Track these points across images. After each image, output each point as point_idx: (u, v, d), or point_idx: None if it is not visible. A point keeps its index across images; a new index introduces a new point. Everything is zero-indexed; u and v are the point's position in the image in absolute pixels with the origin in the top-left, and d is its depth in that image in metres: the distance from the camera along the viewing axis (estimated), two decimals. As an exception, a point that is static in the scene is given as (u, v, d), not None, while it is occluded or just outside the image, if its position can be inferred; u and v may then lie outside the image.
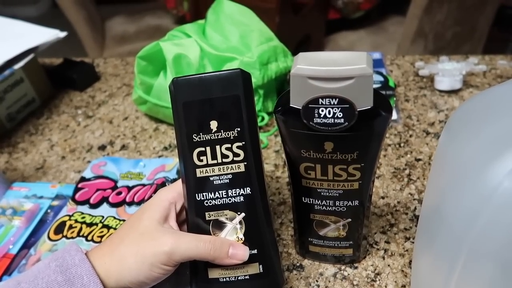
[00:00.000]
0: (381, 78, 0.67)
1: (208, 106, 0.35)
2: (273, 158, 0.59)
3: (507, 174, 0.24)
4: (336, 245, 0.42)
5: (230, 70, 0.35)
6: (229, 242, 0.36)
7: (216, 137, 0.36)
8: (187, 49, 0.59)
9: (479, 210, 0.25)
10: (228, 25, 0.63)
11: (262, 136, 0.62)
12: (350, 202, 0.38)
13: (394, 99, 0.64)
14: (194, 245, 0.35)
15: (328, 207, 0.39)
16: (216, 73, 0.35)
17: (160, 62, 0.61)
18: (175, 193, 0.38)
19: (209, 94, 0.35)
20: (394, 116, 0.63)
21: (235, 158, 0.36)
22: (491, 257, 0.26)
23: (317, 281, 0.43)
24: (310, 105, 0.33)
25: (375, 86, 0.65)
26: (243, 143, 0.36)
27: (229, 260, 0.36)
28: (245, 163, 0.36)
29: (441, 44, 1.28)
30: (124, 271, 0.35)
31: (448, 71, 0.67)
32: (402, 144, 0.59)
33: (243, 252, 0.36)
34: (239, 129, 0.35)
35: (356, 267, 0.44)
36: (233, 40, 0.62)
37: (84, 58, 0.85)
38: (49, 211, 0.53)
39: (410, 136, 0.60)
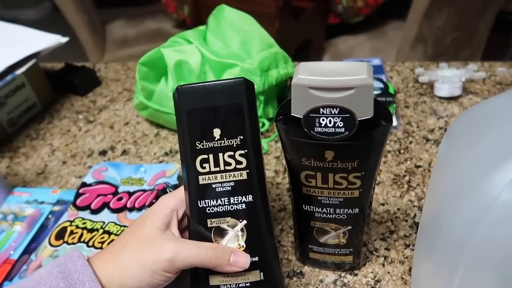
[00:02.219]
0: (381, 85, 0.67)
1: (212, 114, 0.36)
2: (273, 164, 0.59)
3: (507, 185, 0.25)
4: (336, 252, 0.42)
5: (234, 79, 0.35)
6: (231, 249, 0.36)
7: (219, 145, 0.36)
8: (188, 55, 0.60)
9: (478, 221, 0.26)
10: (229, 31, 0.63)
11: (263, 142, 0.62)
12: (350, 210, 0.39)
13: (394, 105, 0.65)
14: (195, 252, 0.35)
15: (328, 215, 0.39)
16: (220, 82, 0.35)
17: (161, 68, 0.62)
18: (177, 200, 0.39)
19: (213, 102, 0.35)
20: (394, 122, 0.63)
21: (238, 166, 0.36)
22: (490, 267, 0.26)
23: (317, 288, 0.43)
24: (311, 114, 0.33)
25: (375, 92, 0.65)
26: (246, 151, 0.36)
27: (230, 268, 0.36)
28: (248, 170, 0.36)
29: (441, 49, 1.28)
30: (126, 277, 0.35)
31: (448, 77, 0.67)
32: (402, 151, 0.59)
33: (245, 260, 0.36)
34: (242, 137, 0.36)
35: (356, 274, 0.44)
36: (234, 46, 0.63)
37: (84, 61, 0.85)
38: (50, 216, 0.53)
39: (410, 142, 0.60)
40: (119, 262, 0.36)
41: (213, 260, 0.35)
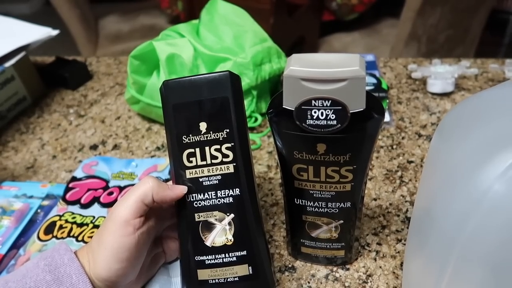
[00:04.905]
0: (374, 80, 0.67)
1: (198, 108, 0.36)
2: (266, 159, 0.59)
3: (497, 177, 0.24)
4: (328, 246, 0.42)
5: (219, 72, 0.36)
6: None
7: (205, 139, 0.36)
8: (180, 49, 0.59)
9: (470, 213, 0.26)
10: (222, 25, 0.63)
11: (255, 137, 0.61)
12: (342, 203, 0.38)
13: (387, 101, 0.65)
14: (136, 188, 0.36)
15: (320, 209, 0.39)
16: (206, 76, 0.36)
17: (153, 62, 0.61)
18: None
19: (199, 96, 0.35)
20: (387, 118, 0.63)
21: (224, 159, 0.36)
22: (481, 260, 0.26)
23: (309, 282, 0.43)
24: (303, 107, 0.33)
25: (368, 88, 0.65)
26: (232, 144, 0.36)
27: (170, 191, 0.36)
28: (234, 164, 0.36)
29: (434, 47, 1.29)
30: (96, 264, 0.35)
31: (441, 74, 0.67)
32: (394, 146, 0.59)
33: (181, 188, 0.36)
34: (228, 130, 0.36)
35: (348, 269, 0.44)
36: (227, 40, 0.62)
37: (76, 56, 0.84)
38: (39, 211, 0.52)
39: (403, 138, 0.60)
40: (91, 252, 0.36)
41: (152, 185, 0.35)
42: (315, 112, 0.32)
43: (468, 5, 1.23)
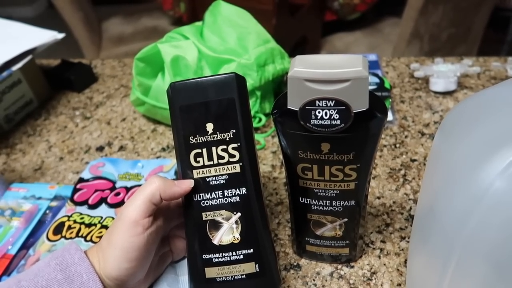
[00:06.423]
0: (377, 80, 0.67)
1: (204, 109, 0.36)
2: (270, 159, 0.59)
3: (498, 174, 0.25)
4: (332, 244, 0.43)
5: (225, 74, 0.36)
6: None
7: (212, 139, 0.36)
8: (185, 51, 0.60)
9: (471, 210, 0.26)
10: (226, 27, 0.63)
11: (260, 137, 0.62)
12: (346, 202, 0.39)
13: (390, 100, 0.65)
14: (143, 189, 0.36)
15: (324, 207, 0.40)
16: (212, 77, 0.36)
17: (158, 64, 0.62)
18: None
19: (205, 97, 0.36)
20: (390, 117, 0.63)
21: (231, 159, 0.37)
22: (483, 256, 0.27)
23: (314, 280, 0.44)
24: (307, 107, 0.33)
25: (371, 87, 0.65)
26: (238, 144, 0.36)
27: (177, 188, 0.36)
28: (241, 163, 0.37)
29: (437, 46, 1.29)
30: (106, 263, 0.36)
31: (443, 72, 0.68)
32: (397, 145, 0.59)
33: (188, 182, 0.37)
34: (234, 130, 0.36)
35: (352, 266, 0.45)
36: (231, 42, 0.63)
37: (81, 59, 0.85)
38: (47, 211, 0.53)
39: (406, 137, 0.61)
40: (101, 252, 0.36)
41: (158, 184, 0.36)
42: (319, 112, 0.33)
43: (470, 3, 1.23)
